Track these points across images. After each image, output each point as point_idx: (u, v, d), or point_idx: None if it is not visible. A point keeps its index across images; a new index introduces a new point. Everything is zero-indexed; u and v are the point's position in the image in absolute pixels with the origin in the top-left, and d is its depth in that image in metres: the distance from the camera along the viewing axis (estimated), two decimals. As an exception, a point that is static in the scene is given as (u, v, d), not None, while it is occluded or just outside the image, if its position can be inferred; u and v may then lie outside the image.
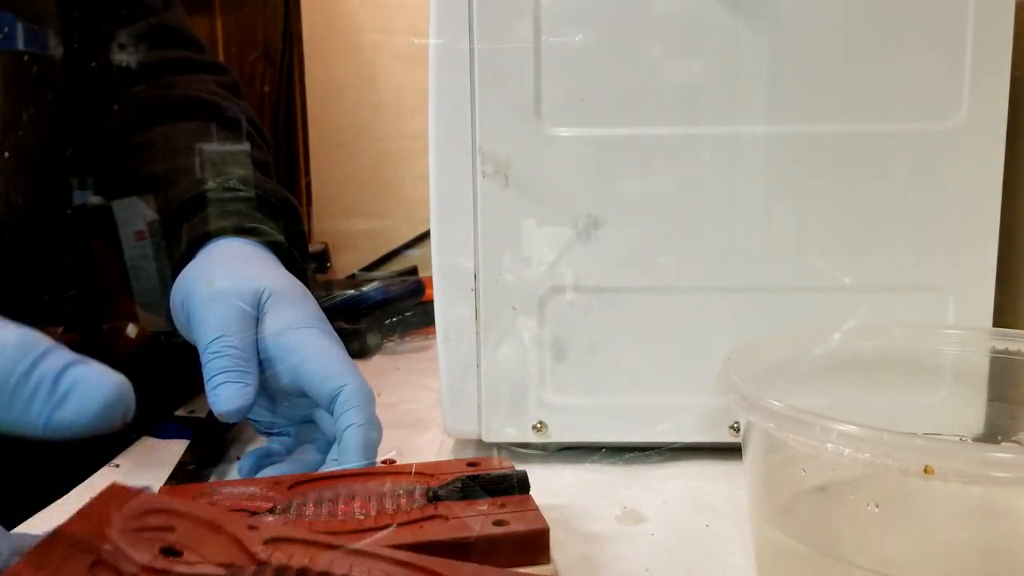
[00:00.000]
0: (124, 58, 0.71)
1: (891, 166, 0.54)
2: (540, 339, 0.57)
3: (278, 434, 0.56)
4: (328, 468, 0.50)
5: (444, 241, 0.56)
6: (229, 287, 0.54)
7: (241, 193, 0.63)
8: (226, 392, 0.50)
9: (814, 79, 0.53)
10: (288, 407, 0.55)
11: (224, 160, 0.67)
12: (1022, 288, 0.58)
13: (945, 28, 0.53)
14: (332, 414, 0.52)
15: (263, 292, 0.54)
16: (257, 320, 0.54)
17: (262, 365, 0.53)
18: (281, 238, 0.62)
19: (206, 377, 0.51)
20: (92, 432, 0.34)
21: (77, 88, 0.69)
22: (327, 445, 0.53)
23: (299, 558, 0.33)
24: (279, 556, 0.34)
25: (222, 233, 0.60)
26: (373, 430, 0.51)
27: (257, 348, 0.53)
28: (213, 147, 0.68)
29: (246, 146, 0.69)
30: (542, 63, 0.54)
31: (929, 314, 0.55)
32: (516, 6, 0.54)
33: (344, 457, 0.50)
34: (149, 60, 0.73)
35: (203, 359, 0.51)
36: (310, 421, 0.55)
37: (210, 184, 0.63)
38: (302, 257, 0.65)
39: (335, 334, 0.55)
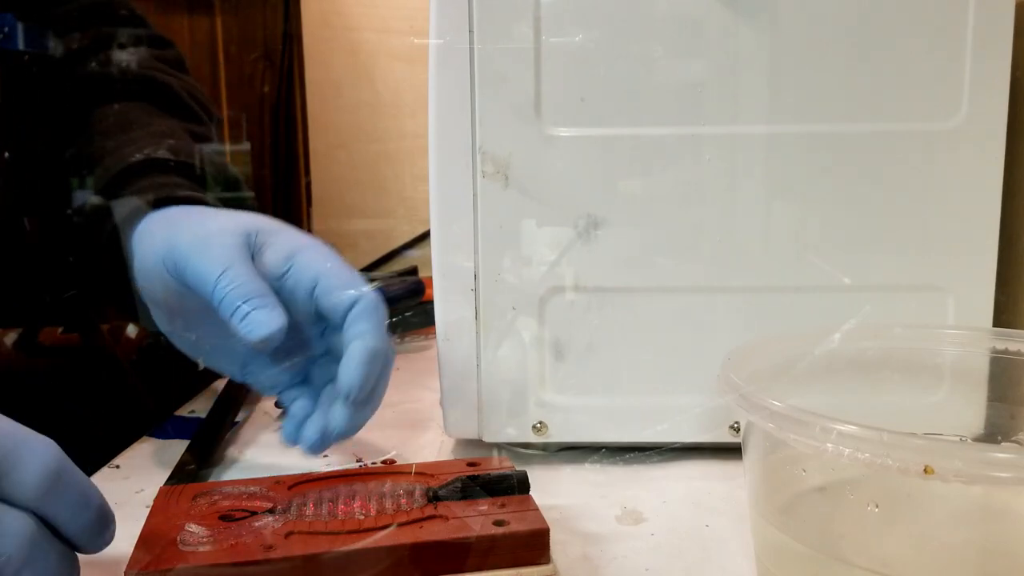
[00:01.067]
0: (59, 38, 0.70)
1: (891, 166, 0.54)
2: (540, 339, 0.57)
3: (282, 391, 0.55)
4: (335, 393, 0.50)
5: (444, 241, 0.56)
6: (216, 228, 0.51)
7: (177, 161, 0.62)
8: (259, 316, 0.48)
9: (814, 79, 0.53)
10: (297, 344, 0.53)
11: (160, 133, 0.65)
12: (1022, 288, 0.58)
13: (945, 28, 0.53)
14: (342, 328, 0.50)
15: (252, 229, 0.52)
16: (253, 258, 0.51)
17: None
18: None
19: (227, 311, 0.48)
20: None
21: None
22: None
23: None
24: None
25: (169, 202, 0.57)
26: (381, 342, 0.50)
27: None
28: (147, 120, 0.66)
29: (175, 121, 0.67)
30: (542, 63, 0.54)
31: (929, 314, 0.55)
32: (516, 6, 0.54)
33: (345, 369, 0.49)
34: (83, 38, 0.71)
35: (216, 297, 0.49)
36: (316, 363, 0.54)
37: (140, 156, 0.61)
38: None
39: (329, 248, 0.53)
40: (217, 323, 0.49)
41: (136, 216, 0.56)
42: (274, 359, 0.54)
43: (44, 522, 0.36)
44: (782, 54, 0.53)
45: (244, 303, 0.48)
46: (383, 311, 0.51)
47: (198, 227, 0.52)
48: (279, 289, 0.51)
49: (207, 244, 0.50)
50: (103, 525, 0.38)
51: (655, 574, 0.45)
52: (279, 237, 0.52)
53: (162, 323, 0.56)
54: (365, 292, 0.50)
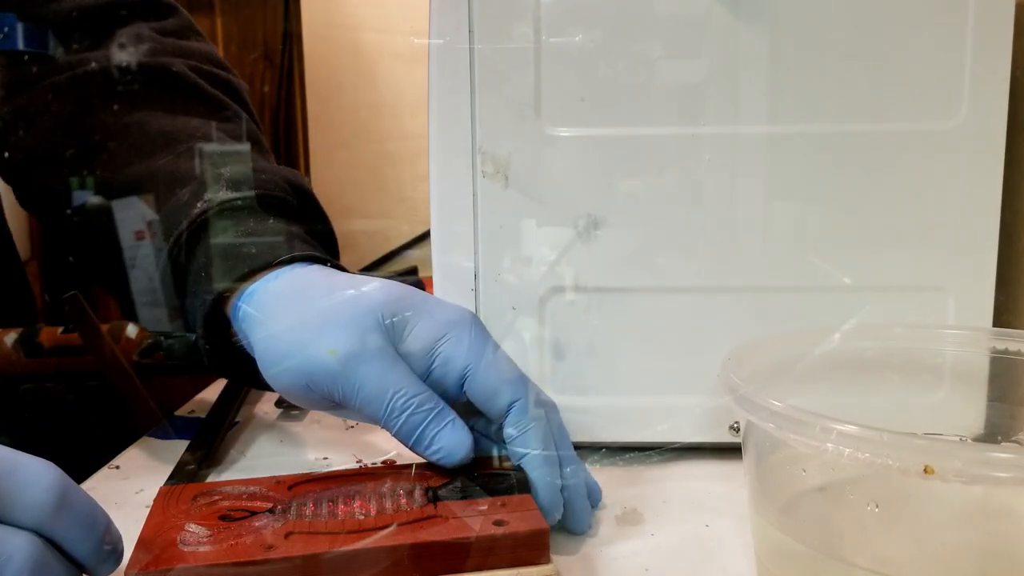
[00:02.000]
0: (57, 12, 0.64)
1: (891, 166, 0.54)
2: (540, 339, 0.57)
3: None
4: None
5: (444, 241, 0.56)
6: (354, 343, 0.45)
7: (243, 199, 0.55)
8: (448, 440, 0.45)
9: (814, 79, 0.53)
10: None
11: (196, 153, 0.58)
12: (1022, 288, 0.58)
13: (945, 28, 0.53)
14: (506, 435, 0.47)
15: (379, 314, 0.46)
16: (395, 345, 0.46)
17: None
18: (323, 253, 0.54)
19: (411, 440, 0.45)
20: None
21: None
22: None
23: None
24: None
25: (262, 268, 0.50)
26: (554, 424, 0.47)
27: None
28: (168, 132, 0.59)
29: (245, 145, 0.61)
30: (542, 63, 0.54)
31: (929, 314, 0.55)
32: (516, 6, 0.54)
33: (540, 501, 0.45)
34: (70, 11, 0.65)
35: (392, 425, 0.45)
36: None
37: (201, 205, 0.55)
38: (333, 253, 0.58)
39: (482, 326, 0.48)
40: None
41: (226, 293, 0.51)
42: None
43: (51, 544, 0.36)
44: (782, 54, 0.53)
45: (425, 427, 0.45)
46: (551, 409, 0.48)
47: (331, 334, 0.46)
48: (428, 379, 0.47)
49: (356, 367, 0.45)
50: (111, 547, 0.37)
51: (655, 574, 0.45)
52: (417, 319, 0.47)
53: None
54: (522, 394, 0.46)
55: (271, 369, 0.47)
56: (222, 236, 0.54)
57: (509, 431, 0.47)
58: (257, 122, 0.67)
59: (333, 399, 0.46)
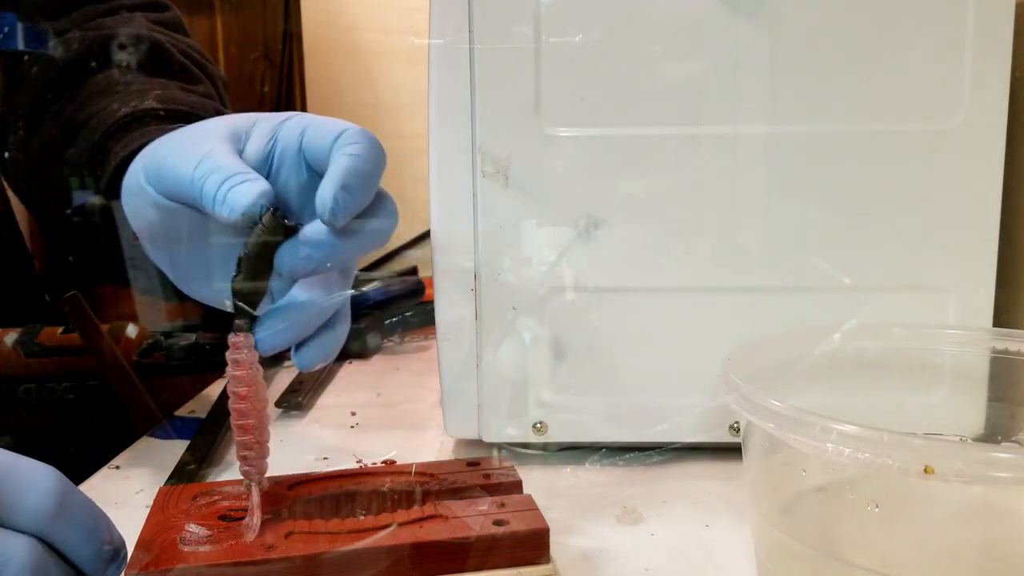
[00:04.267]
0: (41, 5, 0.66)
1: (891, 166, 0.54)
2: (540, 339, 0.57)
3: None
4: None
5: (444, 241, 0.56)
6: (199, 128, 0.47)
7: (168, 110, 0.57)
8: (239, 188, 0.43)
9: (814, 79, 0.53)
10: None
11: (146, 89, 0.60)
12: (1022, 288, 0.58)
13: (945, 28, 0.53)
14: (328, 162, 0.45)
15: (243, 124, 0.47)
16: (242, 151, 0.47)
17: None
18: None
19: (209, 201, 0.43)
20: None
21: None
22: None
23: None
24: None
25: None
26: (368, 164, 0.44)
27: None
28: (130, 80, 0.62)
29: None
30: (542, 63, 0.54)
31: (929, 314, 0.55)
32: (516, 6, 0.54)
33: (322, 188, 0.43)
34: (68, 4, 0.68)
35: (195, 190, 0.44)
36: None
37: (126, 110, 0.57)
38: None
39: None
40: (203, 240, 0.47)
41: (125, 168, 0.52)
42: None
43: (52, 549, 0.35)
44: (782, 54, 0.53)
45: (223, 183, 0.43)
46: (376, 142, 0.45)
47: (180, 132, 0.48)
48: (270, 170, 0.46)
49: (184, 141, 0.47)
50: (112, 552, 0.37)
51: (655, 574, 0.45)
52: (267, 120, 0.48)
53: (156, 257, 0.52)
54: (353, 125, 0.45)
55: (127, 188, 0.49)
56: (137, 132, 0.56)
57: (336, 147, 0.45)
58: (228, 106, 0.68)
59: (165, 185, 0.46)
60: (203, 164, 0.44)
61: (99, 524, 0.37)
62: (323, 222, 0.43)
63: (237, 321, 0.43)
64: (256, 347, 0.43)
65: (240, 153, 0.46)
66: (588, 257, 0.55)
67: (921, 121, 0.54)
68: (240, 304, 0.43)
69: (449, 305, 0.57)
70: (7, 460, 0.36)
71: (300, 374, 0.77)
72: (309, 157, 0.46)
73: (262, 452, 0.43)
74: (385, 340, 0.89)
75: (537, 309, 0.56)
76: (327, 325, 0.47)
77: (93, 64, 0.65)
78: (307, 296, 0.46)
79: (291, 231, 0.43)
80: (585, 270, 0.56)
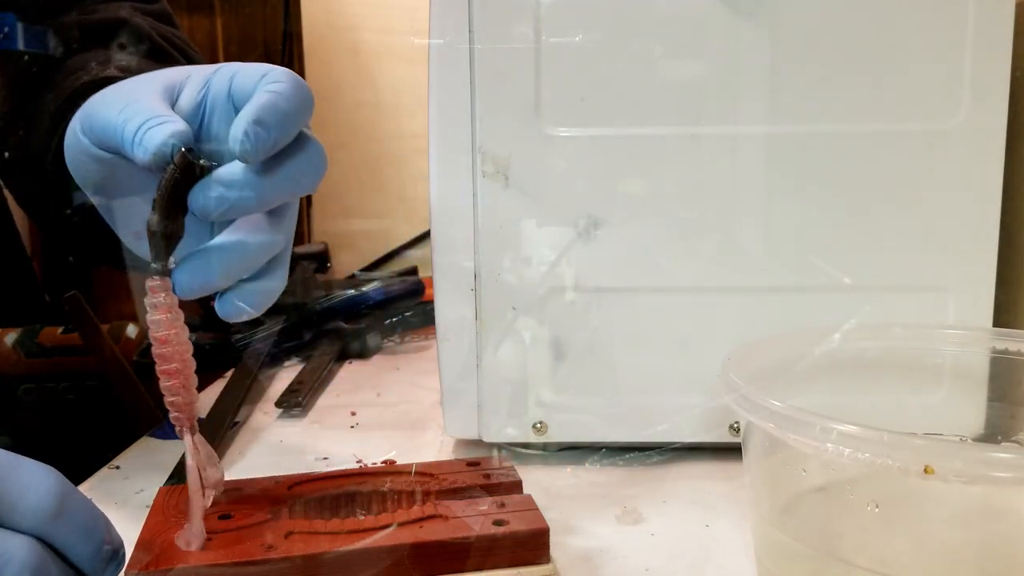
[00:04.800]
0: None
1: (891, 166, 0.54)
2: (540, 339, 0.57)
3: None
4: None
5: (444, 241, 0.56)
6: (134, 80, 0.47)
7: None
8: (156, 130, 0.41)
9: (814, 79, 0.53)
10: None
11: (115, 61, 0.60)
12: (1022, 288, 0.58)
13: (945, 28, 0.53)
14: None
15: (179, 76, 0.46)
16: (175, 103, 0.46)
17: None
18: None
19: (127, 140, 0.42)
20: None
21: None
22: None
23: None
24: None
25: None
26: (289, 103, 0.42)
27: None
28: (104, 57, 0.60)
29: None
30: (542, 63, 0.54)
31: (929, 314, 0.55)
32: (516, 6, 0.54)
33: (237, 121, 0.41)
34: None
35: (117, 134, 0.43)
36: None
37: (87, 77, 0.56)
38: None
39: None
40: (137, 191, 0.46)
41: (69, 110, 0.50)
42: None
43: (51, 549, 0.35)
44: (782, 54, 0.53)
45: (141, 126, 0.42)
46: (301, 83, 0.44)
47: (116, 84, 0.47)
48: (202, 120, 0.45)
49: (116, 91, 0.46)
50: (111, 551, 0.37)
51: (655, 574, 0.45)
52: (200, 71, 0.47)
53: (104, 215, 0.51)
54: (279, 68, 0.44)
55: (67, 143, 0.48)
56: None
57: (260, 85, 0.44)
58: None
59: (95, 135, 0.45)
60: (126, 109, 0.43)
61: (98, 524, 0.37)
62: (236, 157, 0.42)
63: (153, 264, 0.42)
64: (174, 290, 0.42)
65: (173, 105, 0.45)
66: (588, 257, 0.55)
67: (921, 121, 0.54)
68: (154, 245, 0.42)
69: (449, 305, 0.57)
70: (7, 461, 0.36)
71: (300, 373, 0.77)
72: (238, 103, 0.45)
73: (190, 397, 0.42)
74: (385, 340, 0.89)
75: (537, 309, 0.56)
76: (258, 276, 0.46)
77: (75, 47, 0.64)
78: (232, 239, 0.45)
79: (205, 171, 0.42)
80: (585, 270, 0.56)
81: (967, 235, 0.54)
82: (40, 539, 0.35)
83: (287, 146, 0.43)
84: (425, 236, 0.58)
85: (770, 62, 0.53)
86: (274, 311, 0.88)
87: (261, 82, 0.43)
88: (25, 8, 0.65)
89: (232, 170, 0.42)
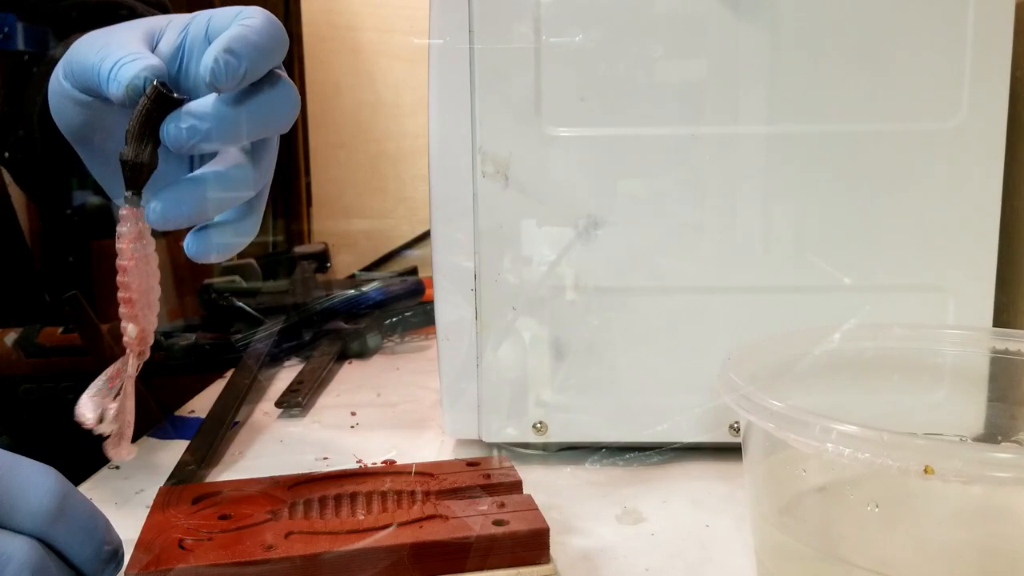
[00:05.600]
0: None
1: (891, 166, 0.54)
2: (540, 339, 0.57)
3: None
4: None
5: (444, 241, 0.56)
6: (117, 26, 0.48)
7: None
8: (129, 66, 0.43)
9: (814, 79, 0.53)
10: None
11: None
12: (1022, 288, 0.58)
13: (945, 28, 0.53)
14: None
15: (162, 22, 0.47)
16: (154, 49, 0.46)
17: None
18: None
19: (103, 77, 0.43)
20: None
21: None
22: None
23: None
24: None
25: None
26: (259, 36, 0.43)
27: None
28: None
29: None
30: (542, 63, 0.54)
31: (929, 314, 0.55)
32: (516, 6, 0.54)
33: (208, 51, 0.42)
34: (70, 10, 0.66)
35: (94, 72, 0.44)
36: None
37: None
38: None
39: None
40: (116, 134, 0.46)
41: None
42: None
43: (52, 549, 0.36)
44: (782, 54, 0.53)
45: (116, 63, 0.43)
46: (273, 20, 0.44)
47: (98, 30, 0.48)
48: (180, 63, 0.46)
49: (97, 34, 0.46)
50: (111, 552, 0.37)
51: (655, 574, 0.45)
52: (180, 18, 0.47)
53: (87, 162, 0.51)
54: (254, 7, 0.44)
55: (52, 90, 0.49)
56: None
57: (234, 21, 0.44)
58: None
59: (76, 77, 0.46)
60: (104, 48, 0.44)
61: (98, 525, 0.37)
62: (206, 85, 0.42)
63: (125, 194, 0.43)
64: (147, 219, 0.43)
65: (153, 50, 0.46)
66: (588, 257, 0.55)
67: (921, 121, 0.54)
68: (125, 174, 0.43)
69: (449, 305, 0.57)
70: (7, 462, 0.36)
71: (300, 373, 0.77)
72: (211, 38, 0.45)
73: (144, 326, 0.43)
74: (385, 340, 0.89)
75: (537, 309, 0.56)
76: (230, 218, 0.47)
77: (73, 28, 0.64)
78: (207, 171, 0.45)
79: (177, 103, 0.43)
80: (585, 270, 0.56)
81: (967, 235, 0.54)
82: (40, 540, 0.35)
83: (259, 82, 0.44)
84: (425, 236, 0.58)
85: (770, 62, 0.53)
86: (274, 311, 0.88)
87: (236, 19, 0.44)
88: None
89: (204, 102, 0.43)
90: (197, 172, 0.45)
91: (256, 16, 0.43)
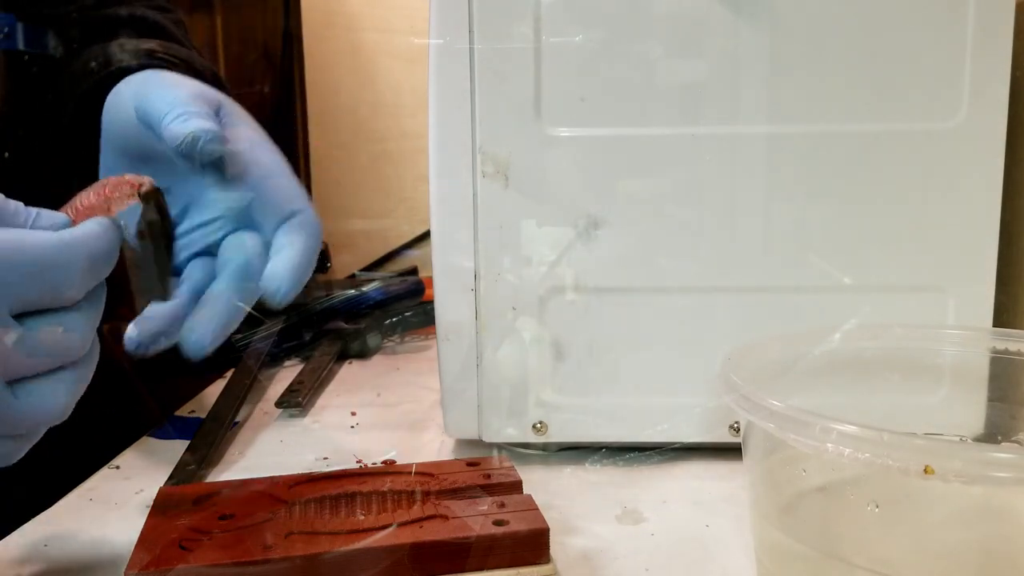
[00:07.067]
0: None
1: (891, 166, 0.54)
2: (540, 339, 0.57)
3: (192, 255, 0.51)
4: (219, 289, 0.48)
5: (444, 241, 0.56)
6: (192, 84, 0.50)
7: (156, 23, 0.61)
8: (194, 118, 0.45)
9: (814, 79, 0.53)
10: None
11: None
12: (1022, 288, 0.58)
13: (945, 28, 0.53)
14: (274, 236, 0.48)
15: (219, 102, 0.49)
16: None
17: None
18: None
19: (166, 122, 0.46)
20: None
21: None
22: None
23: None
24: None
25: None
26: (308, 258, 0.48)
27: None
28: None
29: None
30: (542, 63, 0.54)
31: (929, 314, 0.55)
32: (516, 6, 0.54)
33: (271, 276, 0.47)
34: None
35: (159, 115, 0.46)
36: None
37: (124, 12, 0.61)
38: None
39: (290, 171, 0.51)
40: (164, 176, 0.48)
41: (112, 78, 0.53)
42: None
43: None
44: (782, 54, 0.53)
45: (184, 111, 0.46)
46: (321, 233, 0.48)
47: (179, 75, 0.51)
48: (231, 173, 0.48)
49: (176, 80, 0.49)
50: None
51: (655, 574, 0.45)
52: (238, 126, 0.49)
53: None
54: (307, 208, 0.48)
55: (113, 113, 0.51)
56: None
57: (284, 230, 0.48)
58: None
59: (147, 107, 0.48)
60: (180, 106, 0.46)
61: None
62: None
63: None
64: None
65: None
66: (588, 257, 0.55)
67: (921, 121, 0.54)
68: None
69: (449, 305, 0.57)
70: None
71: (300, 373, 0.77)
72: (260, 207, 0.48)
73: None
74: (385, 340, 0.89)
75: (537, 309, 0.56)
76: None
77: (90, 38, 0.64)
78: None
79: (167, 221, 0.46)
80: (585, 270, 0.56)
81: (967, 235, 0.54)
82: None
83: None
84: (425, 236, 0.58)
85: (770, 62, 0.53)
86: (274, 311, 0.88)
87: (287, 228, 0.48)
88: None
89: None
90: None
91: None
